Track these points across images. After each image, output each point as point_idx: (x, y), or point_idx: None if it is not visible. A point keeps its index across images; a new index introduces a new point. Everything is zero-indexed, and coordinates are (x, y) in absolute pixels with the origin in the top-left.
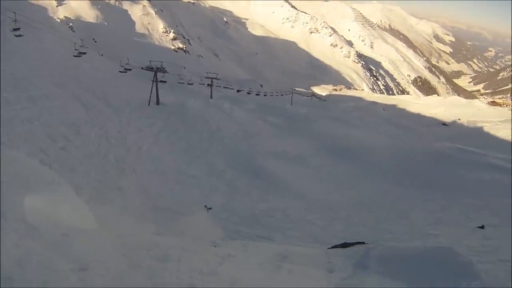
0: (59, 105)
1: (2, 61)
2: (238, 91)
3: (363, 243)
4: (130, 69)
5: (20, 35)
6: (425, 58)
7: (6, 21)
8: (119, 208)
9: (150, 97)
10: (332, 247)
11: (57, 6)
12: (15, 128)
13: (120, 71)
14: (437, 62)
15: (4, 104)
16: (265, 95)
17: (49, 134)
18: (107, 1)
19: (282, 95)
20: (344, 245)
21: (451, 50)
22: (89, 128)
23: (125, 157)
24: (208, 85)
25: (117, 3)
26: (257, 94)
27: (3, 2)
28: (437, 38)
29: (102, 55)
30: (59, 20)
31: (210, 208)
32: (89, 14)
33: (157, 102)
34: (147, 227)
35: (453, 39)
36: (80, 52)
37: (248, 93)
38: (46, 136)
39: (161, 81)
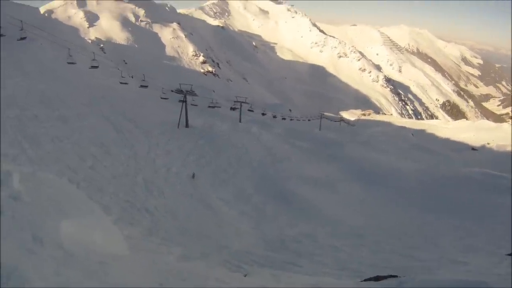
0: (89, 125)
1: (32, 79)
2: (262, 114)
3: (395, 276)
4: (147, 86)
5: (72, 63)
6: (453, 82)
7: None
8: (146, 229)
9: (179, 119)
10: (365, 280)
11: (88, 27)
12: (44, 145)
13: (162, 97)
14: (466, 85)
15: (34, 121)
16: (291, 120)
17: (78, 153)
18: (138, 23)
19: (309, 120)
20: (377, 278)
21: (480, 73)
22: (118, 148)
23: (154, 179)
24: (231, 108)
25: (147, 25)
26: (283, 118)
27: (31, 19)
28: (465, 61)
29: (132, 77)
30: (90, 41)
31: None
32: (120, 36)
33: (186, 125)
34: (174, 249)
35: (481, 62)
36: (93, 66)
37: (274, 117)
38: (75, 155)
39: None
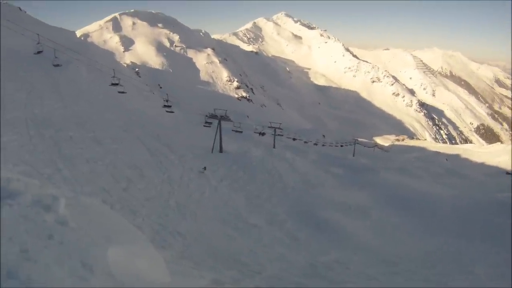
0: (123, 147)
1: (68, 101)
2: (294, 139)
3: None
4: (170, 106)
5: (123, 92)
6: (487, 104)
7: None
8: (178, 252)
9: (213, 144)
10: None
11: (123, 51)
12: (78, 166)
13: (205, 125)
14: (500, 108)
15: (69, 142)
16: (323, 145)
17: (112, 175)
18: (173, 48)
19: (342, 145)
20: None
21: None
22: (152, 171)
23: (187, 203)
24: (259, 133)
25: (182, 51)
26: (315, 144)
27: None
28: (499, 82)
29: (167, 101)
30: (125, 65)
31: (205, 168)
32: (154, 60)
33: (220, 150)
34: (206, 273)
35: None
36: (113, 83)
37: (305, 142)
38: (110, 176)
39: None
